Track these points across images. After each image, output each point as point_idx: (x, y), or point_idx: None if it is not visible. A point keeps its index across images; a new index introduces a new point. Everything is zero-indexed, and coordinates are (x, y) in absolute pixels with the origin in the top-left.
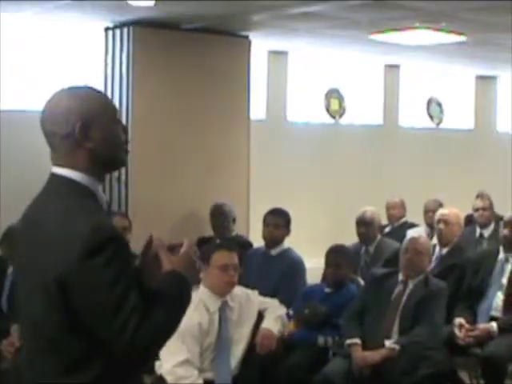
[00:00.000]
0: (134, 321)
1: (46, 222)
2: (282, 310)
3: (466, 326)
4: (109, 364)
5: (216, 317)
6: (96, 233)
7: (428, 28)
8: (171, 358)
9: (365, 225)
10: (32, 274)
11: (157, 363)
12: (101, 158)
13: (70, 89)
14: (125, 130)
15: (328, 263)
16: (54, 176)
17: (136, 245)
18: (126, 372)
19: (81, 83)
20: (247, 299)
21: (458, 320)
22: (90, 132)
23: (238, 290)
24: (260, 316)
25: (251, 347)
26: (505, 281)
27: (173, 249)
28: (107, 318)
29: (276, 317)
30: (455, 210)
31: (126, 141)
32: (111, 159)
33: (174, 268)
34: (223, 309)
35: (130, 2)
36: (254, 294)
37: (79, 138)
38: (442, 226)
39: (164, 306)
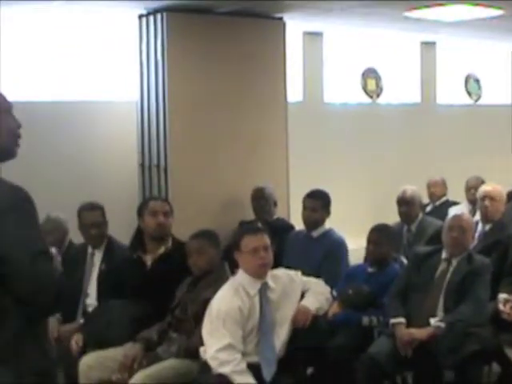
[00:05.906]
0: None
1: None
2: (324, 289)
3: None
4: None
5: (257, 299)
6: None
7: (463, 3)
8: (214, 343)
9: (406, 204)
10: None
11: (201, 349)
12: None
13: None
14: (18, 125)
15: (369, 241)
16: None
17: (177, 230)
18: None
19: (116, 72)
20: (290, 280)
21: (502, 296)
22: None
23: (280, 272)
24: (303, 296)
25: (296, 329)
26: None
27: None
28: (20, 266)
29: (316, 294)
30: (498, 186)
31: (18, 135)
32: (3, 147)
33: None
34: (263, 290)
35: None
36: (297, 275)
37: None
38: (487, 202)
39: None
